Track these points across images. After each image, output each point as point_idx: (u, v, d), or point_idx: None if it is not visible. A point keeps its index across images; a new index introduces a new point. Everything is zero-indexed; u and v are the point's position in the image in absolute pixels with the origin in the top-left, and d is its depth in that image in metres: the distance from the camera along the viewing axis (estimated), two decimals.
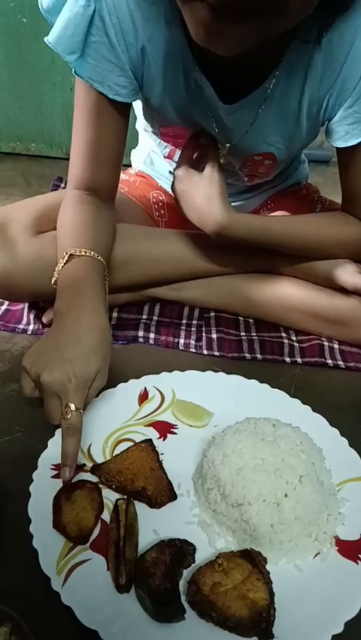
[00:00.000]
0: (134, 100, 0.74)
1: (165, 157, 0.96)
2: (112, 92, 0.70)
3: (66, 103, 1.57)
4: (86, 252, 0.71)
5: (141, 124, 0.91)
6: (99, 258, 0.72)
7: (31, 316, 0.88)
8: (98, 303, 0.67)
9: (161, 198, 0.99)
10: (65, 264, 0.70)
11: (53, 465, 0.60)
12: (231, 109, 0.72)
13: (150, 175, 1.02)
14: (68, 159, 1.69)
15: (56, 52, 0.67)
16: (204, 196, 0.78)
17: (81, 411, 0.59)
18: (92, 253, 0.71)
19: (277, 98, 0.71)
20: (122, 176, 0.98)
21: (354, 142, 0.71)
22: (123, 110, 0.74)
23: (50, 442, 0.63)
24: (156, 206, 0.99)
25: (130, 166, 1.07)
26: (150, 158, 1.00)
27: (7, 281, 0.77)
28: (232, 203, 0.97)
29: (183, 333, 0.89)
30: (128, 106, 0.75)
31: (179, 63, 0.69)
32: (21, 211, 0.81)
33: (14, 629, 0.42)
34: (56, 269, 0.71)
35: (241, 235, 0.80)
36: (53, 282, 0.71)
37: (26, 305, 0.90)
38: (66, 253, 0.70)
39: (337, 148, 0.75)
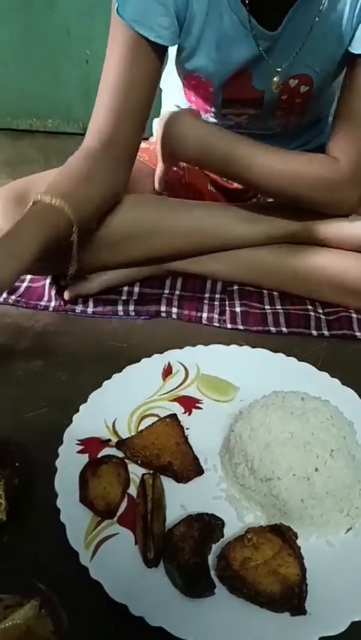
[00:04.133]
0: (174, 44, 0.74)
1: None
2: (154, 33, 0.70)
3: (82, 75, 1.53)
4: (51, 200, 0.67)
5: (167, 80, 0.89)
6: (60, 204, 0.67)
7: (52, 293, 0.87)
8: (22, 242, 0.64)
9: (182, 165, 0.96)
10: (28, 209, 0.68)
11: (79, 440, 0.60)
12: (274, 36, 0.73)
13: None
14: (85, 135, 1.67)
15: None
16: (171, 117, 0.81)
17: None
18: (56, 200, 0.68)
19: (322, 21, 0.72)
20: (143, 144, 0.95)
21: None
22: (160, 55, 0.74)
23: (75, 417, 0.62)
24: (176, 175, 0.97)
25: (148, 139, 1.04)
26: None
27: None
28: None
29: (206, 307, 0.87)
30: (165, 51, 0.74)
31: None
32: (41, 183, 0.79)
33: (44, 602, 0.42)
34: None
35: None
36: None
37: (47, 282, 0.89)
38: (33, 200, 0.69)
39: (350, 61, 0.76)
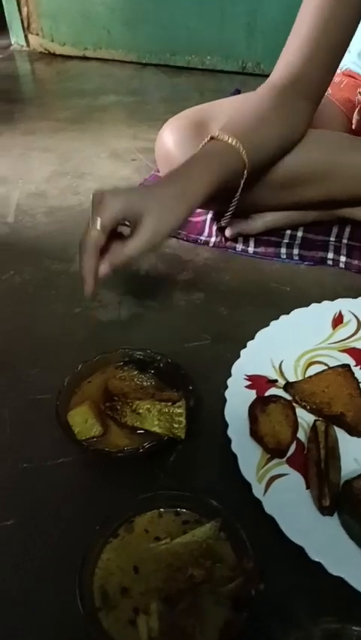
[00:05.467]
0: None
1: None
2: None
3: (249, 11, 1.45)
4: (228, 139, 0.64)
5: None
6: (237, 145, 0.64)
7: (214, 229, 0.84)
8: (195, 182, 0.62)
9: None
10: (203, 145, 0.66)
11: (247, 375, 0.58)
12: None
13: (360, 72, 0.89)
14: (244, 74, 1.61)
15: None
16: None
17: (102, 235, 0.57)
18: (232, 140, 0.64)
19: None
20: None
21: None
22: None
23: (242, 352, 0.60)
24: None
25: None
26: None
27: None
28: None
29: None
30: None
31: None
32: (222, 110, 0.76)
33: (224, 525, 0.41)
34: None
35: None
36: None
37: (209, 217, 0.86)
38: (210, 136, 0.66)
39: None
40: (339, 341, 0.64)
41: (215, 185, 0.63)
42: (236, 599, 0.37)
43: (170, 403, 0.49)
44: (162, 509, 0.42)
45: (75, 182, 1.05)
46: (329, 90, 0.86)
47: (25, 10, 1.89)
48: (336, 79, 0.89)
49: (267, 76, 0.74)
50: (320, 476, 0.47)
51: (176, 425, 0.48)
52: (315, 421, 0.53)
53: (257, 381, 0.58)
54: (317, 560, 0.42)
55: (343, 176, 0.76)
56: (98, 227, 0.57)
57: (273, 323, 0.64)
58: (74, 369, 0.57)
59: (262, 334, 0.63)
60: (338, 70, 0.92)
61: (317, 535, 0.44)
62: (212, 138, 0.66)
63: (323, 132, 0.79)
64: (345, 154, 0.77)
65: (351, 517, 0.44)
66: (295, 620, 0.40)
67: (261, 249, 0.81)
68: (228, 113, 0.74)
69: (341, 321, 0.66)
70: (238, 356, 0.60)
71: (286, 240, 0.83)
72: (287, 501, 0.46)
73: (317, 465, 0.48)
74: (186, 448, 0.52)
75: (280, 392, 0.57)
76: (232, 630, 0.36)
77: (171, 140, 0.76)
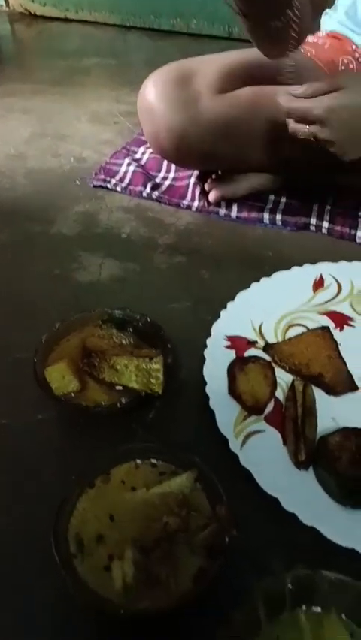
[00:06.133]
0: None
1: None
2: None
3: None
4: None
5: None
6: None
7: (196, 192, 0.83)
8: None
9: (351, 66, 0.85)
10: None
11: (227, 336, 0.58)
12: None
13: (346, 34, 0.87)
14: (230, 39, 1.56)
15: None
16: None
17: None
18: None
19: None
20: (311, 38, 0.85)
21: None
22: None
23: (222, 313, 0.60)
24: None
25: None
26: (355, 6, 0.85)
27: (184, 140, 0.72)
28: None
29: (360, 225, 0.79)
30: None
31: None
32: (209, 65, 0.74)
33: (200, 476, 0.41)
34: None
35: None
36: None
37: (191, 181, 0.85)
38: None
39: None
40: (319, 304, 0.64)
41: None
42: (210, 547, 0.38)
43: (148, 359, 0.49)
44: (138, 461, 0.42)
45: (55, 144, 1.03)
46: (313, 51, 0.84)
47: None
48: (320, 40, 0.87)
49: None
50: (296, 432, 0.48)
51: (153, 381, 0.48)
52: (293, 380, 0.53)
53: (237, 342, 0.58)
54: (291, 510, 0.42)
55: None
56: None
57: (254, 285, 0.64)
58: (53, 327, 0.56)
59: (242, 296, 0.63)
60: (322, 32, 0.90)
61: (292, 488, 0.44)
62: None
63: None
64: None
65: (326, 472, 0.45)
66: (269, 569, 0.41)
67: (244, 214, 0.81)
68: (212, 67, 0.73)
69: (322, 285, 0.66)
70: (219, 317, 0.60)
71: (269, 205, 0.82)
72: (263, 456, 0.47)
73: (294, 421, 0.49)
74: (164, 405, 0.52)
75: (260, 353, 0.57)
76: (206, 577, 0.37)
77: (153, 93, 0.74)
